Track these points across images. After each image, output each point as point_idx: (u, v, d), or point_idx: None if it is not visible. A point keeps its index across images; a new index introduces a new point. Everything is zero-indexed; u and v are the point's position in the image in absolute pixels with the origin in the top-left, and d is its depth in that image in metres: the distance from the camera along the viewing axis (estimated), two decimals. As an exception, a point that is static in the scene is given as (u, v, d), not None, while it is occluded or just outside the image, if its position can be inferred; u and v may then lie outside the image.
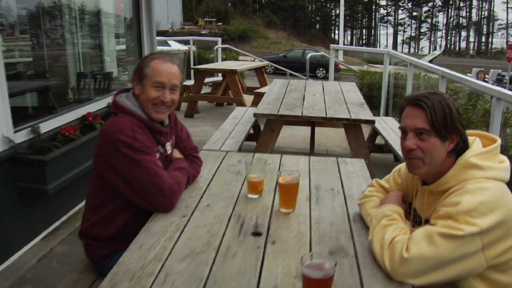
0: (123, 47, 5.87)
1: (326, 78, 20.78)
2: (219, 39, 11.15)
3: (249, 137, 5.52)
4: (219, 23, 39.50)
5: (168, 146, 2.18)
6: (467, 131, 1.65)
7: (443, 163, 1.59)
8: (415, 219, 1.76)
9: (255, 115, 4.24)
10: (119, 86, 5.47)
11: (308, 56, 11.10)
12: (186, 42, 15.12)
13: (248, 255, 1.62)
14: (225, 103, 9.26)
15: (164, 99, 2.02)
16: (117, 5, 5.84)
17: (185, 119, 8.18)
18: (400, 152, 4.00)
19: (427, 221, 1.62)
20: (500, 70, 22.39)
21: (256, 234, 1.78)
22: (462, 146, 1.60)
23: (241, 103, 7.90)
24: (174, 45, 19.84)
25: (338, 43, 32.09)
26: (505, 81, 19.24)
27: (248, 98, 8.56)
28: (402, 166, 1.90)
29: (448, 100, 1.58)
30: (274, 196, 2.14)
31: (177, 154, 2.28)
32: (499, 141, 1.63)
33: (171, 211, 1.97)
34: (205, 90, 9.41)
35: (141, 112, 2.04)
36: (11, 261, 3.22)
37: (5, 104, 3.17)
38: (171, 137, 2.22)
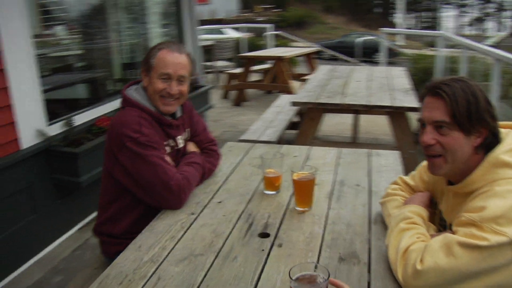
0: (166, 38, 5.84)
1: (383, 63, 20.08)
2: (269, 26, 10.99)
3: (293, 126, 5.36)
4: (276, 10, 39.12)
5: (180, 140, 2.08)
6: (501, 123, 1.43)
7: (469, 160, 1.37)
8: (441, 223, 1.56)
9: (293, 103, 4.07)
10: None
11: (358, 40, 10.73)
12: (240, 30, 15.06)
13: (250, 259, 1.49)
14: (275, 91, 9.12)
15: (171, 91, 1.91)
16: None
17: (233, 107, 8.13)
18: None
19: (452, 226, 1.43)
20: None
21: (264, 235, 1.65)
22: (493, 141, 1.38)
23: (288, 91, 7.72)
24: (229, 33, 19.82)
25: (397, 27, 30.94)
26: None
27: (298, 85, 8.36)
28: None
29: (474, 87, 1.36)
30: (292, 193, 2.00)
31: (192, 147, 2.18)
32: (538, 135, 1.39)
33: (180, 208, 1.88)
34: (256, 77, 9.30)
35: (150, 104, 1.95)
36: (46, 252, 3.27)
37: (38, 98, 3.21)
38: (183, 129, 2.12)
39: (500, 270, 1.21)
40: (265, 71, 9.08)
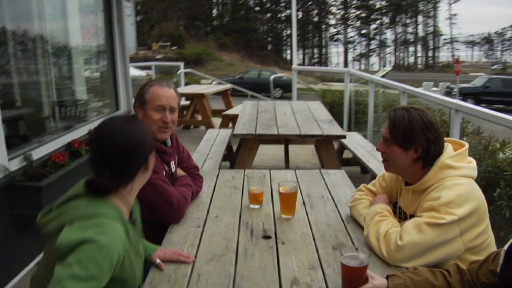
0: (97, 74, 6.02)
1: (283, 97, 21.38)
2: (182, 64, 11.42)
3: (224, 158, 5.76)
4: (173, 47, 39.60)
5: (173, 165, 2.42)
6: (445, 138, 1.96)
7: (412, 167, 1.91)
8: (401, 216, 2.06)
9: (235, 135, 4.50)
10: (95, 113, 5.61)
11: (272, 77, 11.62)
12: (145, 68, 15.32)
13: (265, 254, 1.87)
14: (192, 126, 9.49)
15: (165, 120, 2.27)
16: (86, 34, 5.98)
17: (155, 143, 8.33)
18: (368, 164, 4.33)
19: (412, 216, 1.92)
20: (449, 83, 23.62)
21: (266, 237, 2.03)
22: (430, 154, 1.87)
23: (210, 125, 8.15)
24: (132, 72, 19.84)
25: (291, 63, 32.87)
26: (454, 93, 20.22)
27: (215, 120, 8.82)
28: (385, 171, 2.20)
29: (415, 116, 1.86)
30: (273, 205, 2.41)
31: (180, 172, 2.52)
32: (467, 145, 1.96)
33: (184, 222, 2.20)
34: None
35: None
36: (11, 285, 3.32)
37: (-1, 132, 3.30)
38: (174, 156, 2.46)
39: (452, 242, 1.73)
40: (181, 108, 9.43)
